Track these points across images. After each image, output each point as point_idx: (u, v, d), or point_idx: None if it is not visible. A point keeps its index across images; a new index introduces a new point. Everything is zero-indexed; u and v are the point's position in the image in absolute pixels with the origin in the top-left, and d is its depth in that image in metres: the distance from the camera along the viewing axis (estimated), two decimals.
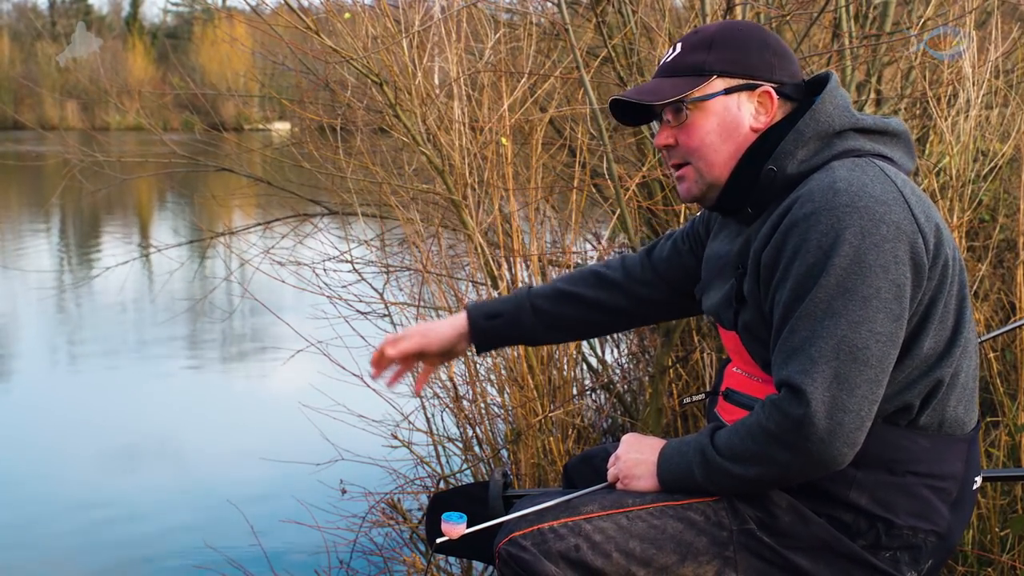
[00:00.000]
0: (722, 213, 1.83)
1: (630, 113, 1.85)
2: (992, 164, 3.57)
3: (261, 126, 11.81)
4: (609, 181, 3.54)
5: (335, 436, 3.85)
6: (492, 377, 3.74)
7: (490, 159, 3.60)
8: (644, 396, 4.23)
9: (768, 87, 1.72)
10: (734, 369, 1.83)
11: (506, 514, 1.76)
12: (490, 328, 2.04)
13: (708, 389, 2.01)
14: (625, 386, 4.40)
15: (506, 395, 3.62)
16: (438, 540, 1.74)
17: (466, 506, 1.83)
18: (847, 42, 3.81)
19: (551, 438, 3.46)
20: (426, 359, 2.07)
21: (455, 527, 1.72)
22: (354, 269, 4.13)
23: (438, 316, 3.89)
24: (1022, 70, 4.20)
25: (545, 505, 1.72)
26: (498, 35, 3.80)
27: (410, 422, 3.78)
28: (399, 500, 3.76)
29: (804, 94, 1.75)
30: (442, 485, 3.66)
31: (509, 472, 2.04)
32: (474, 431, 3.71)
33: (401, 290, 4.27)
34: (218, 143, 6.23)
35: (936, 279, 1.61)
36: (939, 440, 1.67)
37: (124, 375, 7.35)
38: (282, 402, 5.53)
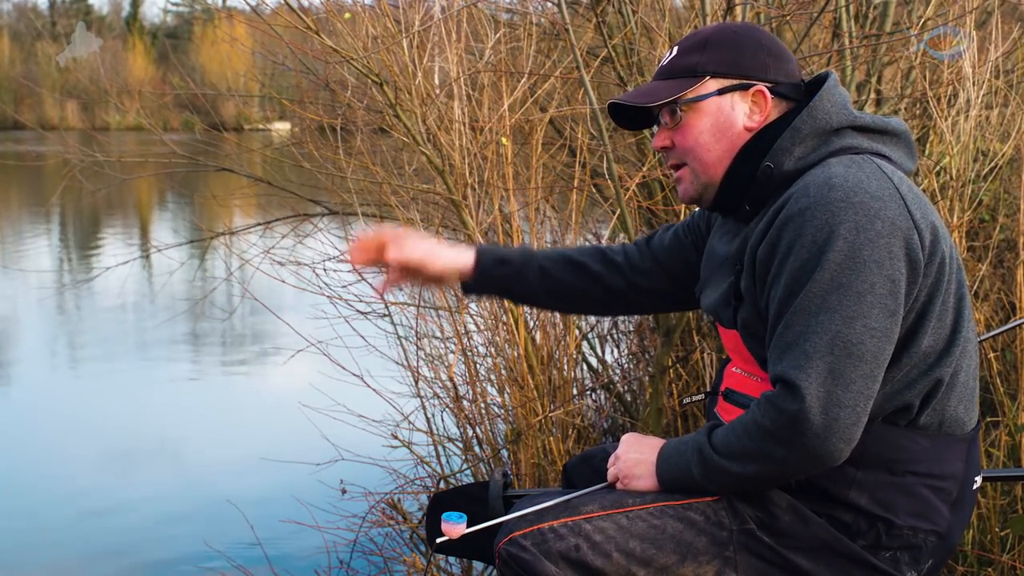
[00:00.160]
0: (720, 213, 1.84)
1: (629, 117, 1.86)
2: (992, 164, 3.57)
3: (261, 126, 11.80)
4: (609, 181, 3.54)
5: (335, 436, 3.85)
6: (492, 377, 3.74)
7: (490, 159, 3.60)
8: (644, 396, 4.23)
9: (762, 86, 1.73)
10: (734, 369, 1.83)
11: (506, 514, 1.76)
12: (495, 273, 1.99)
13: (708, 389, 2.01)
14: (625, 386, 4.40)
15: (506, 395, 3.62)
16: (438, 540, 1.74)
17: (466, 506, 1.83)
18: (847, 42, 3.81)
19: (551, 438, 3.46)
20: (416, 275, 1.99)
21: (455, 527, 1.72)
22: (354, 269, 4.12)
23: (438, 316, 3.89)
24: (1022, 70, 4.19)
25: (545, 505, 1.72)
26: (498, 35, 3.80)
27: (410, 422, 3.78)
28: (399, 500, 3.76)
29: (803, 94, 1.75)
30: (442, 485, 3.66)
31: (509, 472, 2.04)
32: (474, 431, 3.71)
33: (401, 290, 4.27)
34: (218, 143, 6.23)
35: (932, 276, 1.61)
36: (939, 440, 1.67)
37: (124, 375, 7.35)
38: (282, 402, 5.53)
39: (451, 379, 3.68)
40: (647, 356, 4.48)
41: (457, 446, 3.82)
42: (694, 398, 2.10)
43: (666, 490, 1.71)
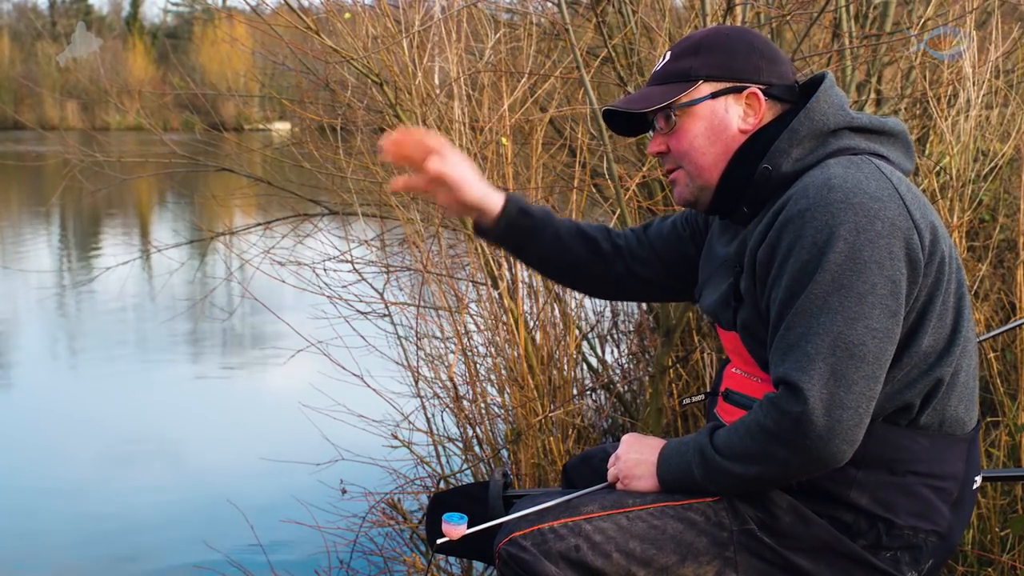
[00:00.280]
0: (718, 216, 1.84)
1: (625, 123, 1.87)
2: (992, 164, 3.57)
3: (261, 126, 11.81)
4: (609, 181, 3.54)
5: (335, 436, 3.85)
6: (492, 377, 3.74)
7: (490, 159, 3.60)
8: (644, 396, 4.23)
9: (755, 89, 1.73)
10: (733, 370, 1.83)
11: (506, 514, 1.76)
12: (517, 223, 1.96)
13: (708, 389, 2.00)
14: (625, 386, 4.40)
15: (506, 395, 3.62)
16: (438, 541, 1.74)
17: (466, 506, 1.83)
18: (847, 42, 3.81)
19: (551, 438, 3.46)
20: (446, 193, 1.92)
21: (455, 528, 1.72)
22: (354, 269, 4.13)
23: (438, 316, 3.89)
24: (1022, 70, 4.19)
25: (545, 505, 1.72)
26: (498, 35, 3.80)
27: (410, 422, 3.78)
28: (399, 500, 3.76)
29: (799, 95, 1.76)
30: (442, 485, 3.66)
31: (509, 472, 2.04)
32: (474, 431, 3.71)
33: (401, 290, 4.27)
34: (218, 143, 6.23)
35: (932, 276, 1.61)
36: (940, 440, 1.67)
37: (124, 375, 7.35)
38: (282, 402, 5.53)
39: (451, 379, 3.68)
40: (647, 356, 4.48)
41: (457, 446, 3.82)
42: (694, 399, 2.10)
43: (666, 490, 1.71)
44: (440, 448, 3.78)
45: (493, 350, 3.64)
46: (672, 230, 2.02)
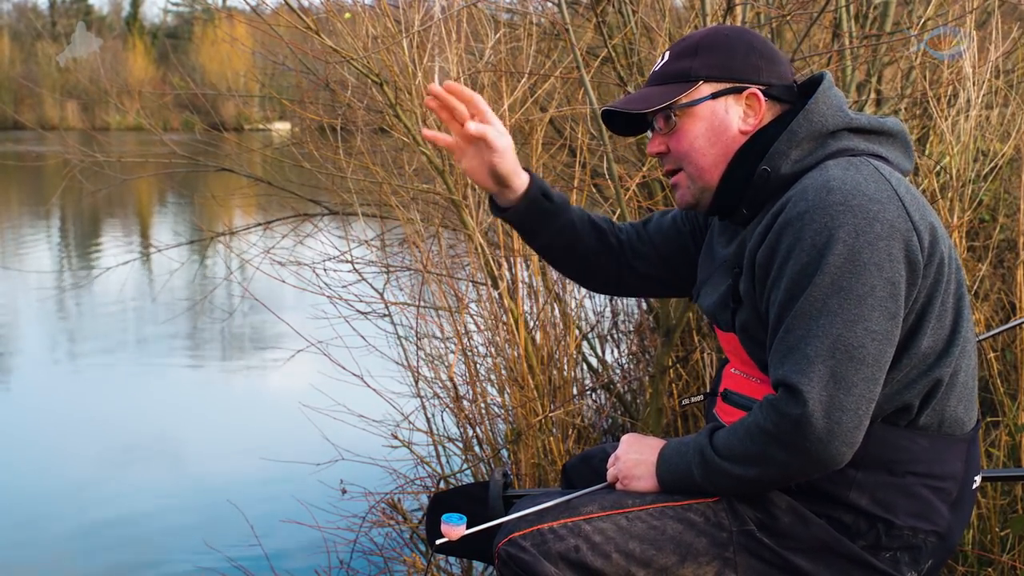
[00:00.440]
0: (718, 217, 1.84)
1: (623, 123, 1.86)
2: (992, 164, 3.57)
3: (261, 126, 11.81)
4: (609, 181, 3.54)
5: (335, 436, 3.85)
6: (492, 377, 3.74)
7: None
8: (644, 396, 4.23)
9: (755, 89, 1.73)
10: (732, 370, 1.83)
11: (506, 514, 1.76)
12: (538, 204, 1.91)
13: (707, 390, 2.00)
14: (625, 386, 4.40)
15: (506, 395, 3.62)
16: (438, 541, 1.74)
17: (466, 506, 1.83)
18: (847, 42, 3.81)
19: (551, 438, 3.46)
20: (477, 156, 1.85)
21: (455, 528, 1.72)
22: (354, 269, 4.13)
23: (438, 316, 3.89)
24: (1022, 70, 4.19)
25: (545, 505, 1.72)
26: (498, 35, 3.80)
27: (410, 422, 3.78)
28: (399, 500, 3.76)
29: (798, 96, 1.75)
30: (442, 485, 3.66)
31: (509, 472, 2.04)
32: (474, 431, 3.71)
33: (401, 290, 4.27)
34: (218, 143, 6.23)
35: (932, 277, 1.61)
36: (939, 440, 1.67)
37: (124, 375, 7.35)
38: (282, 402, 5.53)
39: (451, 379, 3.68)
40: (647, 356, 4.48)
41: (457, 446, 3.82)
42: (693, 399, 2.10)
43: (666, 491, 1.71)
44: (440, 448, 3.78)
45: (493, 350, 3.64)
46: (672, 225, 2.01)
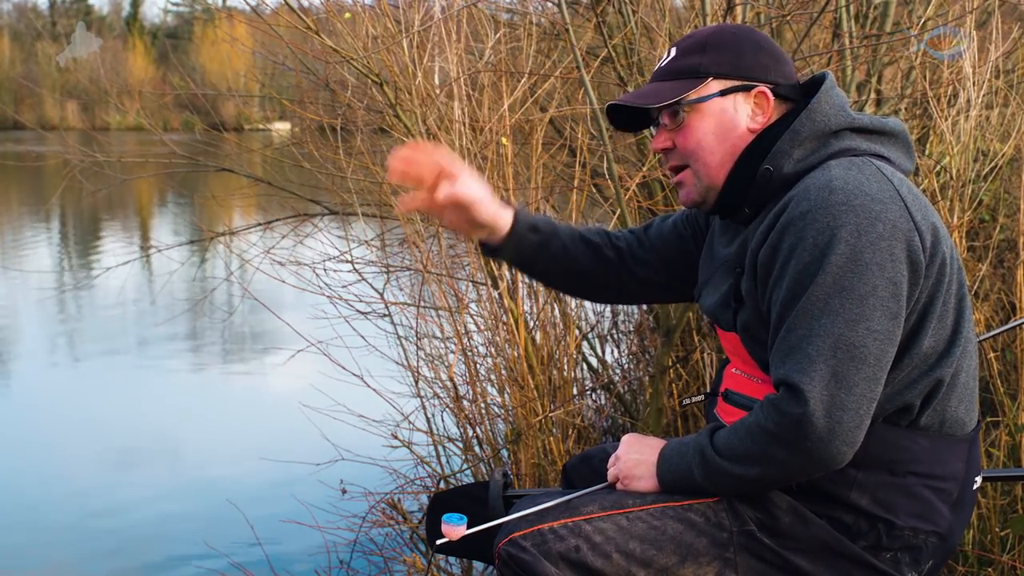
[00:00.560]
0: (720, 216, 1.83)
1: (626, 118, 1.85)
2: (992, 164, 3.57)
3: (261, 126, 11.81)
4: (609, 181, 3.54)
5: (335, 436, 3.85)
6: (492, 377, 3.74)
7: (490, 159, 3.60)
8: (644, 396, 4.23)
9: (764, 87, 1.72)
10: (733, 370, 1.83)
11: (506, 514, 1.76)
12: (526, 239, 1.91)
13: (708, 390, 2.00)
14: (625, 386, 4.40)
15: (506, 395, 3.62)
16: (438, 541, 1.74)
17: (466, 506, 1.83)
18: (847, 42, 3.81)
19: (551, 438, 3.46)
20: (456, 213, 1.85)
21: (455, 528, 1.72)
22: (354, 269, 4.13)
23: (438, 316, 3.89)
24: (1022, 70, 4.19)
25: (545, 505, 1.72)
26: (498, 35, 3.80)
27: (410, 422, 3.78)
28: (399, 500, 3.76)
29: (800, 95, 1.75)
30: (442, 485, 3.66)
31: (509, 472, 2.04)
32: (474, 431, 3.71)
33: (401, 290, 4.27)
34: (218, 143, 6.24)
35: (933, 277, 1.61)
36: (940, 440, 1.67)
37: (124, 375, 7.35)
38: (282, 402, 5.53)
39: (451, 379, 3.68)
40: (647, 356, 4.48)
41: (457, 446, 3.82)
42: (694, 399, 2.10)
43: (666, 491, 1.71)
44: (440, 448, 3.78)
45: (493, 350, 3.64)
46: (673, 230, 2.01)
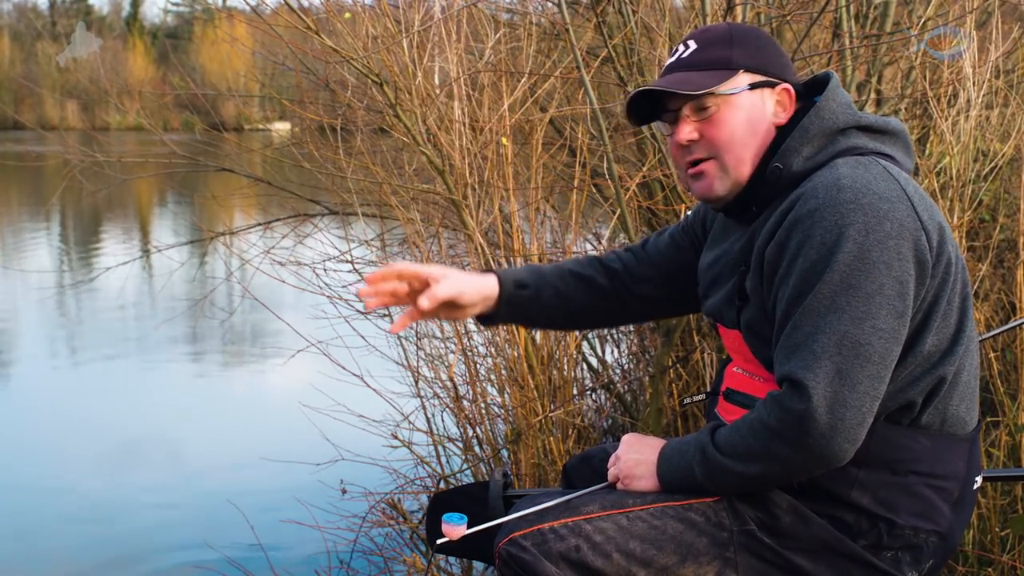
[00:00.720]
0: (728, 213, 1.81)
1: (638, 107, 1.82)
2: (992, 164, 3.57)
3: (261, 126, 11.81)
4: (609, 181, 3.54)
5: (335, 436, 3.85)
6: (492, 377, 3.74)
7: (490, 159, 3.60)
8: (644, 396, 4.23)
9: (787, 85, 1.73)
10: (735, 369, 1.83)
11: (506, 514, 1.76)
12: (516, 299, 1.92)
13: (708, 389, 2.00)
14: (625, 386, 4.40)
15: (506, 395, 3.62)
16: (438, 541, 1.74)
17: (466, 506, 1.83)
18: (847, 42, 3.81)
19: (551, 438, 3.46)
20: (445, 310, 1.89)
21: (455, 528, 1.72)
22: (354, 269, 4.13)
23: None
24: (1022, 70, 4.19)
25: (545, 505, 1.72)
26: (498, 35, 3.80)
27: (410, 422, 3.78)
28: (399, 500, 3.76)
29: (804, 95, 1.76)
30: (442, 485, 3.66)
31: (509, 472, 2.04)
32: (474, 431, 3.71)
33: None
34: (218, 143, 6.23)
35: (939, 277, 1.61)
36: (941, 439, 1.67)
37: (124, 375, 7.35)
38: (282, 402, 5.53)
39: (451, 379, 3.68)
40: (647, 356, 4.48)
41: (457, 446, 3.82)
42: (695, 398, 2.10)
43: (667, 490, 1.71)
44: (440, 448, 3.78)
45: (493, 350, 3.64)
46: (671, 243, 2.01)
